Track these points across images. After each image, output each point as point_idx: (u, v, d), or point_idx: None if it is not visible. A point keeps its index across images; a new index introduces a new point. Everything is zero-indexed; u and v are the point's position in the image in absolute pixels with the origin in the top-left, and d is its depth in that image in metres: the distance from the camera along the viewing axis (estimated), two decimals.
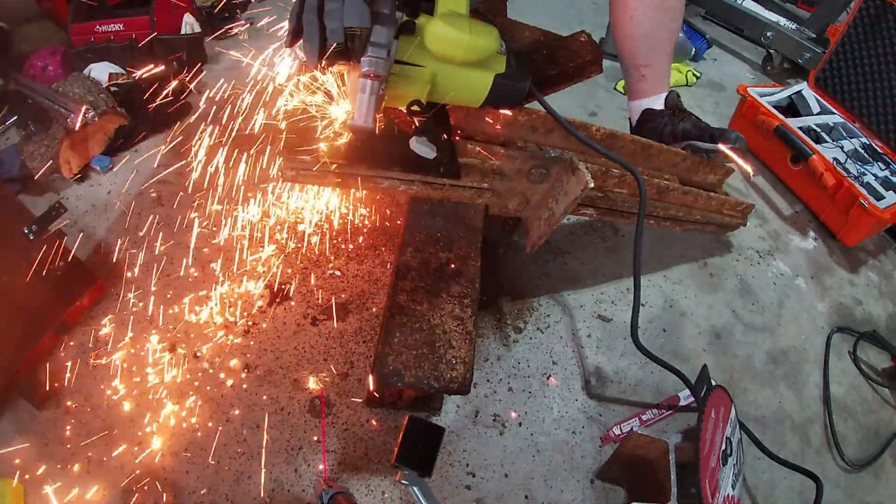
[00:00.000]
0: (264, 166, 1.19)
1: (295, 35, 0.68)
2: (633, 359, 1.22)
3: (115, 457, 0.94)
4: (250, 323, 1.12)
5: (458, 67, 0.77)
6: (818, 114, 1.78)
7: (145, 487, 0.91)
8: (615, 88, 1.99)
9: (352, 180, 0.84)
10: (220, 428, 0.99)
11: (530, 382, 1.14)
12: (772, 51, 2.19)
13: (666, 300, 1.35)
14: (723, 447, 0.92)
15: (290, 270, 1.21)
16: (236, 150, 1.16)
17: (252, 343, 1.10)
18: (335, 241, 1.27)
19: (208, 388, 1.03)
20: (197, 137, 1.24)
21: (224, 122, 1.26)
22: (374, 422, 1.03)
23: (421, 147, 0.79)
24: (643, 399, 1.16)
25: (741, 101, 1.79)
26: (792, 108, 1.81)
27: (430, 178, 0.87)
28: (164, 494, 0.90)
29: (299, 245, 1.25)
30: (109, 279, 1.14)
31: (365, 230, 1.30)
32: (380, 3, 0.66)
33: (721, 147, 1.18)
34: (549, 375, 1.15)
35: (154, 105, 1.43)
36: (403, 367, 0.85)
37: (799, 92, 1.81)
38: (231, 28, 1.89)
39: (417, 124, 0.80)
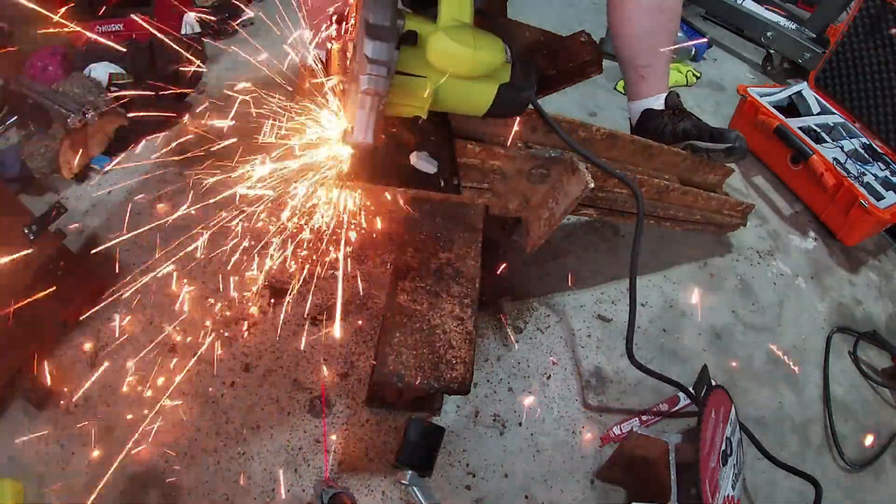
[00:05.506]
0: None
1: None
2: None
3: (114, 457, 0.94)
4: (250, 323, 1.12)
5: (461, 79, 0.75)
6: (818, 114, 1.77)
7: (145, 488, 0.91)
8: (615, 88, 1.99)
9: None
10: (220, 428, 0.99)
11: (530, 382, 1.14)
12: (772, 51, 2.19)
13: (666, 300, 1.35)
14: (723, 447, 0.92)
15: (290, 270, 1.21)
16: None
17: (252, 343, 1.10)
18: (335, 241, 1.27)
19: (208, 388, 1.03)
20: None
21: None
22: (374, 422, 1.03)
23: (422, 162, 0.79)
24: (643, 399, 1.16)
25: (741, 101, 1.79)
26: (792, 108, 1.81)
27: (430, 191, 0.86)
28: (165, 495, 0.90)
29: (300, 245, 1.25)
30: (109, 279, 1.14)
31: (365, 230, 1.30)
32: (379, 15, 0.64)
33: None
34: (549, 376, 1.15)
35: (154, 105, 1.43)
36: (403, 367, 0.85)
37: (799, 92, 1.81)
38: (232, 27, 1.89)
39: (418, 138, 0.79)
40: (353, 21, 0.74)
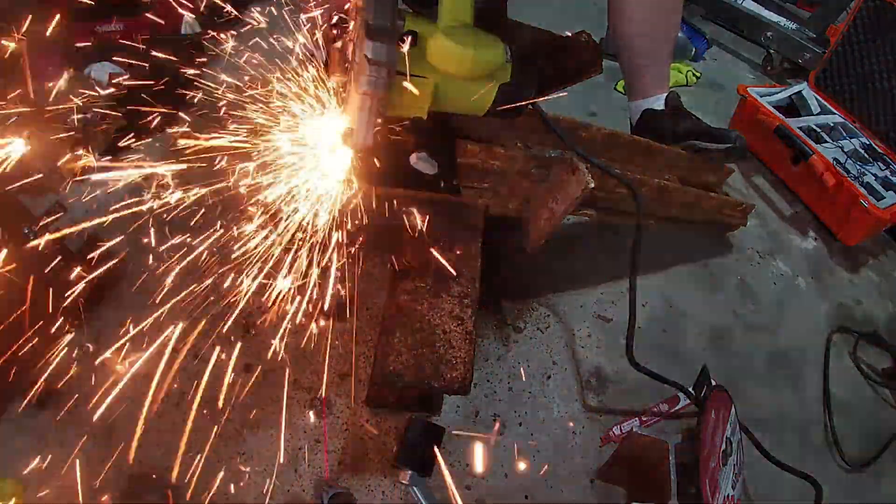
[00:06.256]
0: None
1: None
2: None
3: (114, 457, 0.94)
4: (251, 323, 1.12)
5: (461, 79, 0.75)
6: (818, 114, 1.78)
7: (145, 488, 0.91)
8: (615, 88, 1.98)
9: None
10: (219, 428, 0.99)
11: (530, 382, 1.14)
12: (772, 51, 2.19)
13: (666, 300, 1.35)
14: (723, 447, 0.92)
15: (290, 270, 1.21)
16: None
17: (252, 343, 1.10)
18: (335, 241, 1.27)
19: (208, 388, 1.03)
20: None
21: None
22: (374, 422, 1.03)
23: (422, 163, 0.79)
24: (643, 399, 1.16)
25: (741, 101, 1.79)
26: (792, 108, 1.81)
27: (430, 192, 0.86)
28: (165, 495, 0.90)
29: (299, 245, 1.24)
30: (109, 279, 1.14)
31: (365, 230, 1.30)
32: (379, 15, 0.63)
33: None
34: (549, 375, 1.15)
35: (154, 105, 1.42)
36: (403, 367, 0.85)
37: (799, 92, 1.81)
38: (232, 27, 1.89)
39: (418, 139, 0.79)
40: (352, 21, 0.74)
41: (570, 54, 1.08)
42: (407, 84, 0.72)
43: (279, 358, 1.08)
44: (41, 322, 1.00)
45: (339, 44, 0.81)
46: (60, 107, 1.29)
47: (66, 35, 1.60)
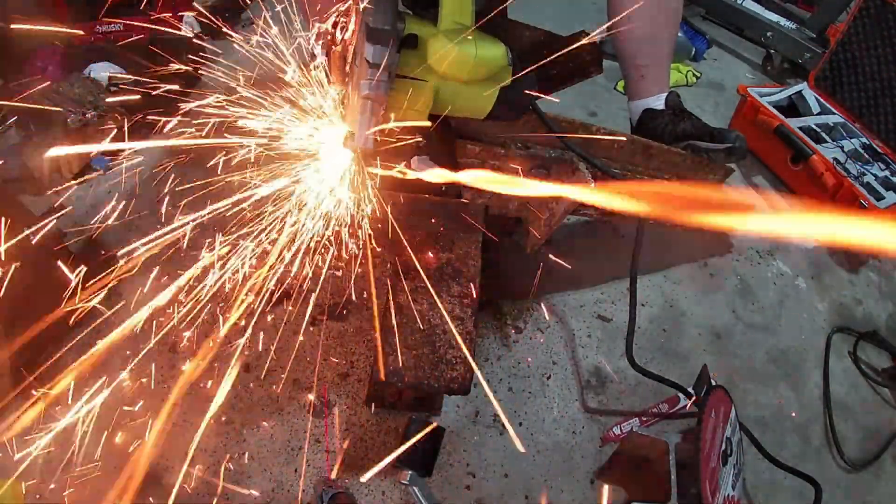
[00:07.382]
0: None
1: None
2: None
3: (115, 457, 0.94)
4: (250, 323, 1.12)
5: (462, 82, 0.74)
6: (818, 114, 1.78)
7: (145, 487, 0.91)
8: (615, 88, 1.98)
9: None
10: (220, 428, 0.99)
11: (530, 382, 1.14)
12: (772, 51, 2.19)
13: (666, 300, 1.35)
14: (723, 447, 0.92)
15: (290, 270, 1.21)
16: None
17: (252, 343, 1.10)
18: (335, 242, 1.27)
19: (209, 388, 1.03)
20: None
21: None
22: (374, 422, 1.03)
23: (423, 166, 0.78)
24: (643, 399, 1.16)
25: (741, 101, 1.79)
26: (792, 108, 1.81)
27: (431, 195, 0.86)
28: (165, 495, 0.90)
29: (299, 245, 1.24)
30: (110, 279, 1.14)
31: (365, 230, 1.30)
32: (379, 18, 0.63)
33: None
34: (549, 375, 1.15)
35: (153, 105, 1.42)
36: (403, 367, 0.85)
37: (799, 92, 1.81)
38: (232, 27, 1.89)
39: (419, 141, 0.79)
40: (352, 25, 0.74)
41: (570, 54, 1.08)
42: (407, 87, 0.72)
43: (279, 358, 1.09)
44: (42, 323, 1.00)
45: (338, 48, 0.81)
46: (61, 107, 1.29)
47: (67, 35, 1.61)
